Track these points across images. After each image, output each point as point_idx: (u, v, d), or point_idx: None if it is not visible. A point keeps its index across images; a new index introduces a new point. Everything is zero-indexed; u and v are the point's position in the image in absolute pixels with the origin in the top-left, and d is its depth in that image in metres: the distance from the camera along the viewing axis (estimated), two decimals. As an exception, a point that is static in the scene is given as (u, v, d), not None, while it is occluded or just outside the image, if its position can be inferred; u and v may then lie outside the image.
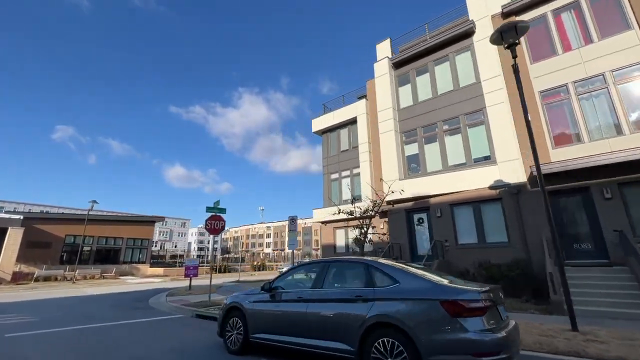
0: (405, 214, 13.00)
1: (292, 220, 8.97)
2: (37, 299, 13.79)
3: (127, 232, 32.80)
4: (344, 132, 20.67)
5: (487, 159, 12.07)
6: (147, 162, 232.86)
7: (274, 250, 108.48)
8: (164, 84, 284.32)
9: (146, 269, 33.07)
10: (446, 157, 12.64)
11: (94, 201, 23.94)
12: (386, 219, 16.75)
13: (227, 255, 62.36)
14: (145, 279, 27.18)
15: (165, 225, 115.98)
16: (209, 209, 11.82)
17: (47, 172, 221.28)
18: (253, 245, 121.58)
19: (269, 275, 30.25)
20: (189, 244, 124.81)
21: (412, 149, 13.77)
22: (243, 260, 48.42)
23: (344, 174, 19.76)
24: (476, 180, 11.84)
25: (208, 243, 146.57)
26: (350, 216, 12.28)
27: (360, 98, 20.87)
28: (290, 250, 10.56)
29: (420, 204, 12.55)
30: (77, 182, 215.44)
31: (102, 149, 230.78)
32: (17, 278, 22.80)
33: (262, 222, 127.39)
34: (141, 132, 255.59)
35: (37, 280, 23.72)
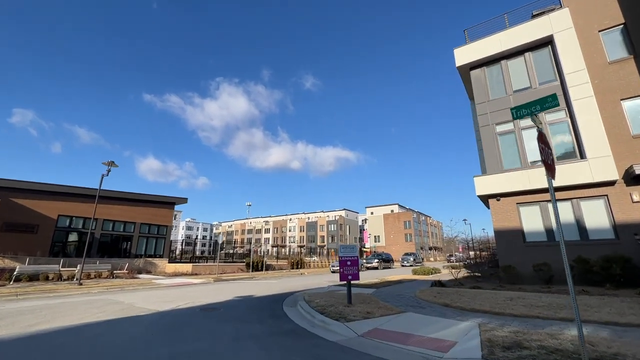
0: None
1: None
2: (49, 330, 6.17)
3: (141, 215, 24.63)
4: (516, 63, 13.85)
5: None
6: (118, 152, 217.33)
7: (273, 246, 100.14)
8: (137, 68, 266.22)
9: (165, 264, 25.03)
10: None
11: (112, 162, 15.97)
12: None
13: (229, 251, 54.06)
14: (173, 279, 19.31)
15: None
16: (522, 109, 4.78)
17: (4, 160, 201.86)
18: (249, 240, 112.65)
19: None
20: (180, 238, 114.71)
21: None
22: (247, 255, 41.00)
23: (523, 123, 12.98)
24: None
25: (196, 238, 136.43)
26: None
27: (535, 16, 14.15)
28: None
29: None
30: (42, 172, 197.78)
31: (68, 137, 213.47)
32: (-13, 276, 14.59)
33: (259, 217, 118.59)
34: (111, 121, 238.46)
35: (18, 279, 15.54)
